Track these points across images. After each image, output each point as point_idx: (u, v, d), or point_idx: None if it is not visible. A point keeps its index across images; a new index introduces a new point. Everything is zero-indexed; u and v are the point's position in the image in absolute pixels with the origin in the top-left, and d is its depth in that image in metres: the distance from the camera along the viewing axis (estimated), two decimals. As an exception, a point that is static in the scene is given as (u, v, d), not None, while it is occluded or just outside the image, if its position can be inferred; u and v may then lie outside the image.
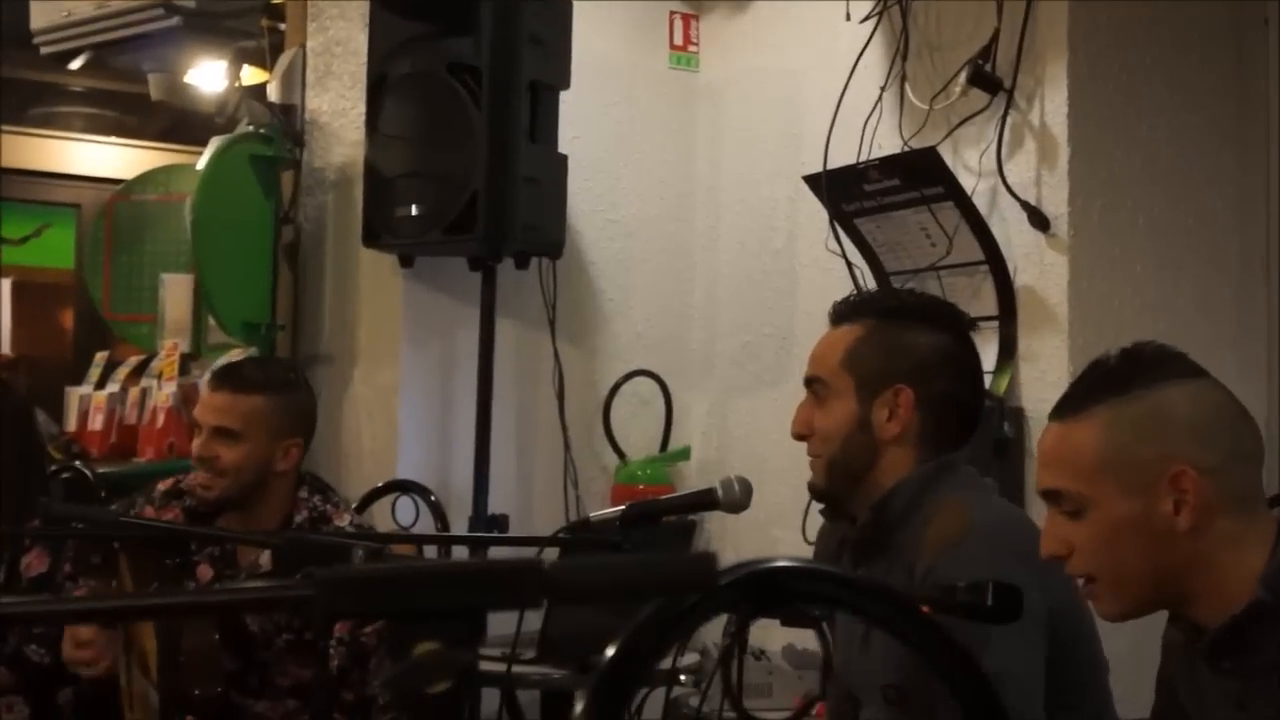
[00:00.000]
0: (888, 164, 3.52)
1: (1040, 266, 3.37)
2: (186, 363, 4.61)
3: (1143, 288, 3.41)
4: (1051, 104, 3.35)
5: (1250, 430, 1.94)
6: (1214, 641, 1.87)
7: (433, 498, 3.85)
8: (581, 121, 4.22)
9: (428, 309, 4.14)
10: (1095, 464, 1.90)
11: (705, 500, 2.48)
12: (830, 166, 3.68)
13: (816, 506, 3.76)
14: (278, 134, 4.39)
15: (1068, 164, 3.32)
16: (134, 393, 4.74)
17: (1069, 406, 1.96)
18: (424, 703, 0.94)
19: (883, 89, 3.68)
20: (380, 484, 3.94)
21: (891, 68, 3.66)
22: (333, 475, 3.92)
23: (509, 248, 3.83)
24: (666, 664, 2.57)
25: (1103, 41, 3.38)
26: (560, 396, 4.25)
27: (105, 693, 3.24)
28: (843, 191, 3.63)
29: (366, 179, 3.92)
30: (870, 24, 3.70)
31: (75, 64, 4.56)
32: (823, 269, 3.88)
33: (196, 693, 2.84)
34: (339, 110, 4.40)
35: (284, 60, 4.53)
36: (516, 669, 3.32)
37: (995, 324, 3.42)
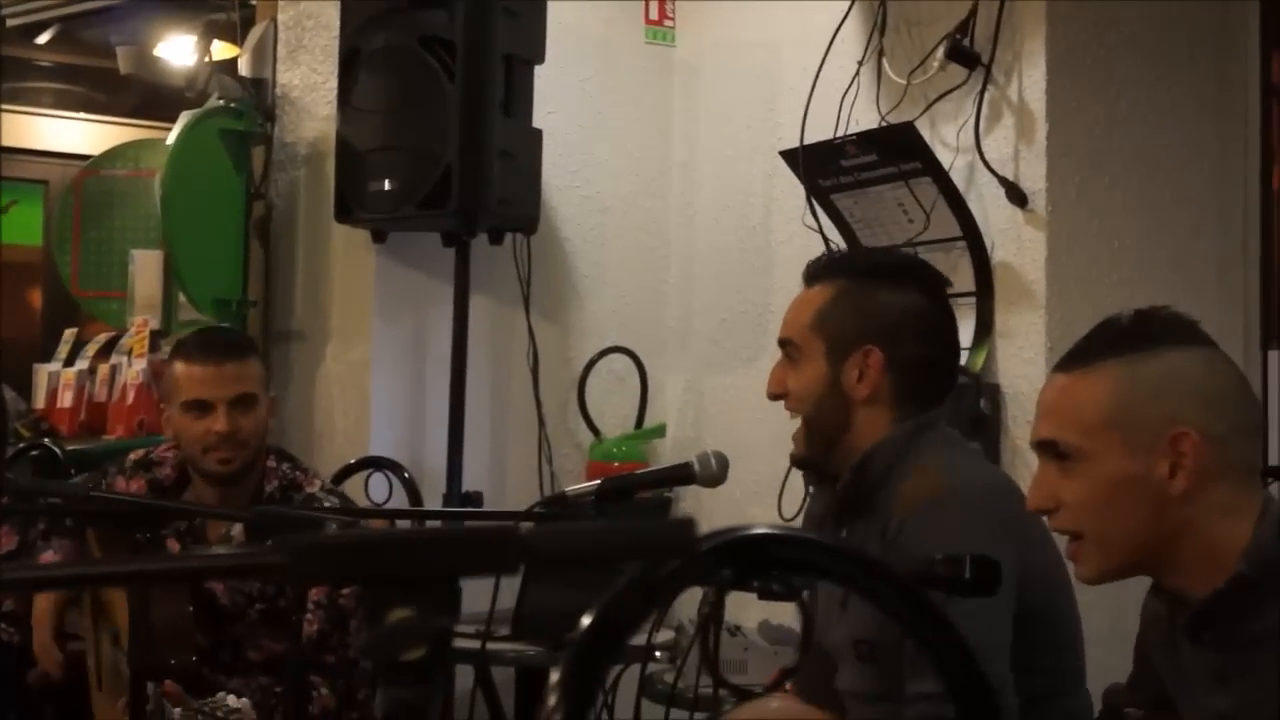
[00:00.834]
0: (865, 139, 3.51)
1: (1018, 243, 3.36)
2: (156, 339, 4.57)
3: (1120, 263, 3.41)
4: (1030, 79, 3.35)
5: (1253, 404, 1.94)
6: (1195, 614, 1.86)
7: (406, 474, 3.83)
8: (556, 96, 4.20)
9: (400, 285, 4.12)
10: (1101, 418, 1.89)
11: (682, 474, 2.47)
12: (807, 142, 3.67)
13: (795, 482, 3.78)
14: (249, 108, 4.35)
15: (1045, 139, 3.32)
16: (103, 370, 4.70)
17: (1078, 359, 1.95)
18: (400, 670, 0.93)
19: (860, 64, 3.67)
20: (353, 460, 3.93)
21: (869, 42, 3.65)
22: (305, 452, 3.89)
23: (483, 223, 3.81)
24: (642, 640, 2.57)
25: (1081, 17, 3.37)
26: (535, 373, 4.23)
27: (74, 672, 3.23)
28: (820, 167, 3.62)
29: (338, 153, 3.89)
30: (848, -2, 3.69)
31: (43, 38, 4.53)
32: (799, 245, 3.87)
33: (172, 663, 2.83)
34: (311, 84, 4.36)
35: (255, 34, 4.49)
36: (491, 646, 3.32)
37: (972, 300, 3.41)
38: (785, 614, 3.29)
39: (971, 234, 3.39)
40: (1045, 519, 1.99)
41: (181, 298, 4.54)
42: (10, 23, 4.29)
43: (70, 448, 4.12)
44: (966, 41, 3.39)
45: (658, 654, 3.28)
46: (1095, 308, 3.34)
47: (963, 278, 3.42)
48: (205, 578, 2.73)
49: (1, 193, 6.62)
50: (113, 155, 5.11)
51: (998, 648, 2.25)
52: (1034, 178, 3.33)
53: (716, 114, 4.35)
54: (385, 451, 3.96)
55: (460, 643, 2.60)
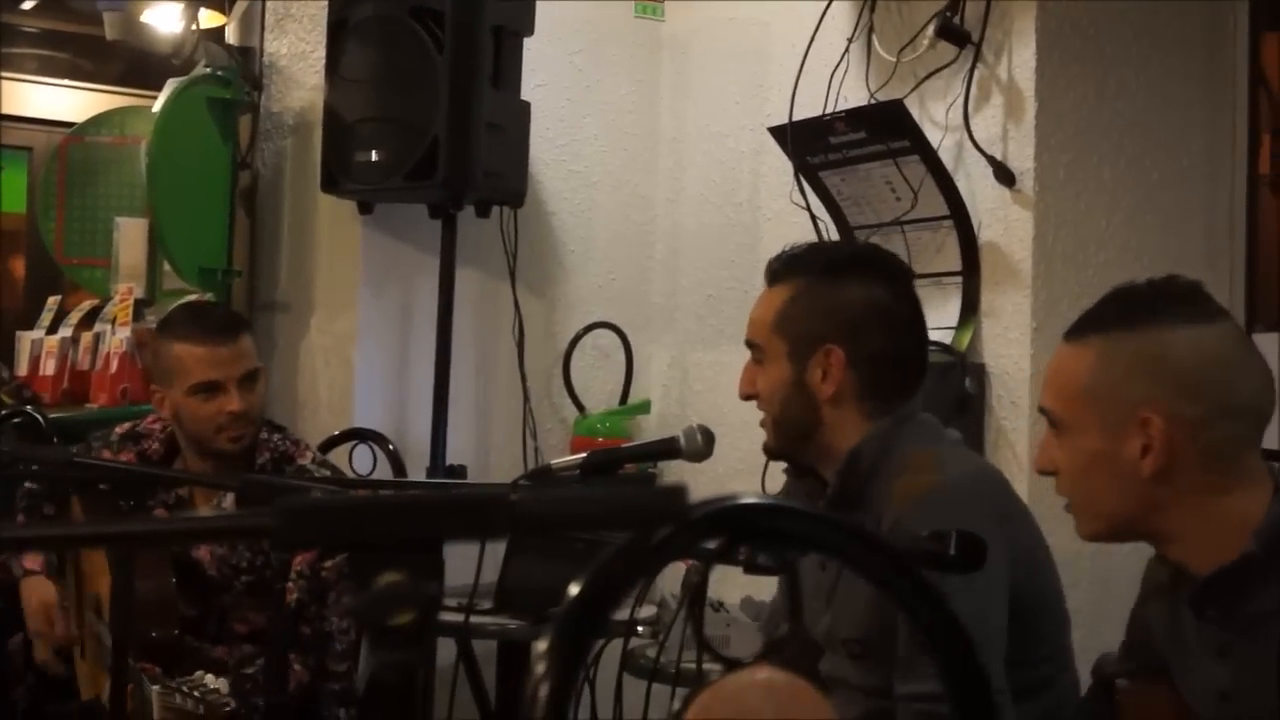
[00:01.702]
0: (854, 116, 3.50)
1: (1005, 222, 3.36)
2: (141, 308, 4.56)
3: (1107, 244, 3.40)
4: (1019, 58, 3.34)
5: (1255, 384, 1.91)
6: (1201, 589, 1.87)
7: (391, 446, 3.82)
8: (545, 69, 4.19)
9: (387, 256, 4.10)
10: (1080, 392, 1.92)
11: (668, 449, 2.47)
12: (796, 119, 3.66)
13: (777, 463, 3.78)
14: (235, 77, 4.33)
15: (1034, 119, 3.31)
16: (86, 338, 4.69)
17: (1078, 329, 1.98)
18: (389, 633, 0.92)
19: (850, 40, 3.66)
20: (337, 432, 3.92)
21: (859, 19, 3.64)
22: (289, 423, 3.87)
23: (470, 195, 3.79)
24: (625, 615, 2.57)
25: (1072, -4, 3.37)
26: (520, 347, 4.22)
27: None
28: (808, 144, 3.61)
29: (326, 124, 3.88)
30: (838, -26, 3.68)
31: (29, 3, 4.50)
32: (787, 222, 3.86)
33: (154, 635, 2.83)
34: (298, 53, 4.34)
35: (242, 2, 4.47)
36: (473, 619, 3.32)
37: (958, 279, 3.41)
38: (768, 590, 3.29)
39: (959, 213, 3.38)
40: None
41: (166, 266, 4.53)
42: (-4, -12, 4.26)
43: (53, 415, 4.10)
44: (957, 20, 3.38)
45: (640, 629, 3.28)
46: (1082, 288, 3.35)
47: (949, 257, 3.42)
48: (193, 540, 2.73)
49: (-14, 159, 6.58)
50: (98, 122, 5.09)
51: (995, 633, 2.26)
52: (1022, 157, 3.33)
53: (705, 89, 4.34)
54: (369, 424, 3.95)
55: (443, 616, 2.60)
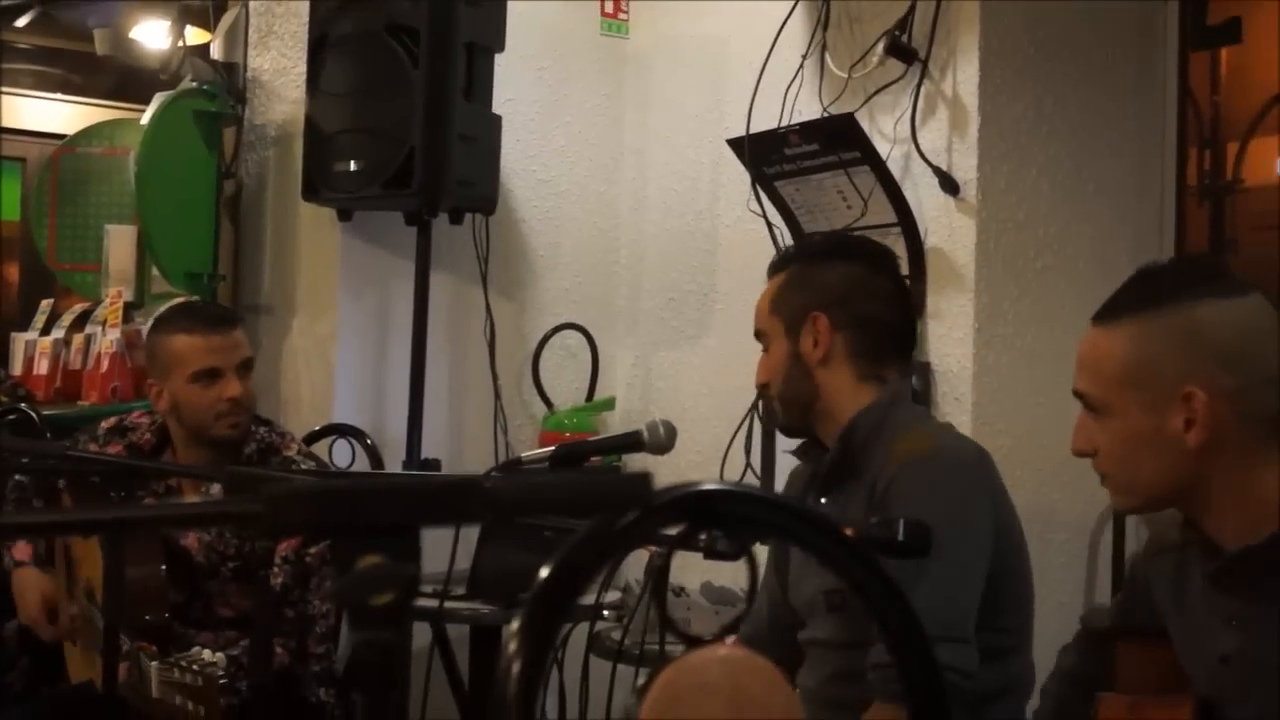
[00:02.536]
0: (807, 129, 3.51)
1: (949, 229, 3.38)
2: (130, 311, 4.54)
3: (1045, 250, 3.43)
4: (963, 75, 3.36)
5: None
6: (1225, 564, 1.83)
7: (369, 441, 3.82)
8: (515, 83, 4.19)
9: (365, 261, 4.10)
10: (1119, 374, 1.87)
11: (632, 442, 2.48)
12: (752, 131, 3.67)
13: (736, 452, 3.80)
14: (220, 91, 4.32)
15: (977, 132, 3.33)
16: (78, 339, 4.66)
17: (1107, 312, 1.93)
18: (369, 613, 0.93)
19: (804, 57, 3.67)
20: (318, 428, 3.91)
21: (813, 37, 3.65)
22: (273, 420, 3.87)
23: (444, 203, 3.79)
24: (590, 599, 2.57)
25: (1012, 16, 3.38)
26: (491, 347, 4.22)
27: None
28: (764, 155, 3.62)
29: (306, 135, 3.87)
30: (793, -5, 3.69)
31: (22, 20, 4.47)
32: (744, 229, 3.88)
33: (147, 618, 2.81)
34: (280, 69, 4.33)
35: (227, 19, 4.45)
36: (447, 605, 3.32)
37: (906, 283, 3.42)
38: (726, 575, 3.30)
39: (906, 220, 3.40)
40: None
41: (154, 271, 4.51)
42: (-9, 5, 4.24)
43: (46, 413, 4.09)
44: (905, 38, 3.40)
45: (606, 613, 3.28)
46: (1021, 291, 3.38)
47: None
48: (183, 525, 2.72)
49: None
50: (89, 134, 5.06)
51: (969, 604, 2.30)
52: (966, 168, 3.35)
53: (667, 103, 4.35)
54: (349, 420, 3.95)
55: (419, 602, 2.59)
